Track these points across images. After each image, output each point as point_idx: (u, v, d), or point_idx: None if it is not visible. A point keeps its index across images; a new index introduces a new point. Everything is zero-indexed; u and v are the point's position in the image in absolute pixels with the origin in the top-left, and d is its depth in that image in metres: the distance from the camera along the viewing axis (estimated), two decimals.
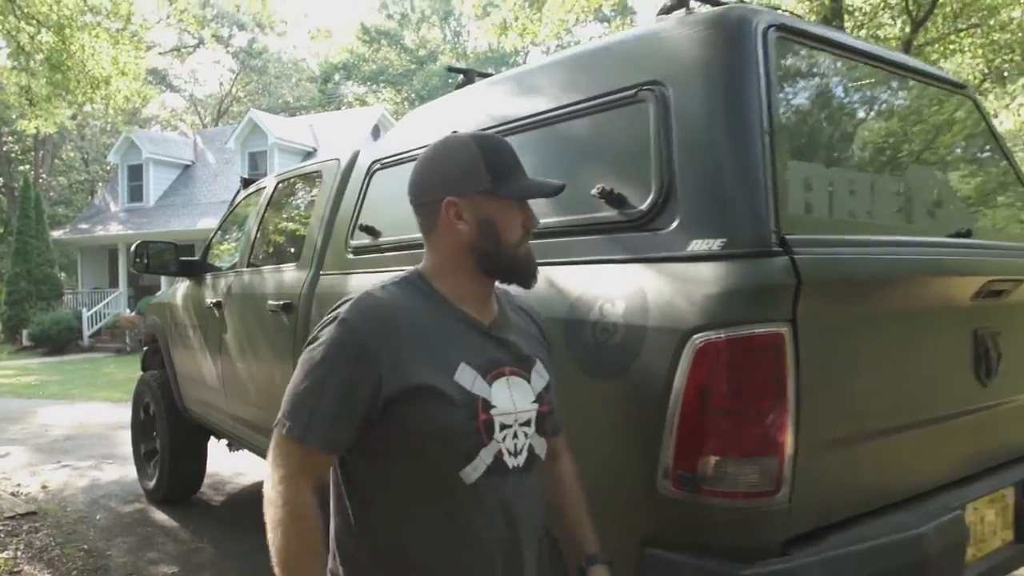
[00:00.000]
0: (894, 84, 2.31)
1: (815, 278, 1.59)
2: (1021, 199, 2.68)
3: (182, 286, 5.14)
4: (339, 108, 36.57)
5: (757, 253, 1.60)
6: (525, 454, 1.41)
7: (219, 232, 5.11)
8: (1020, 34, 9.76)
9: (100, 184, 32.50)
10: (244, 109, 33.32)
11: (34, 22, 9.10)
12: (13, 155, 31.90)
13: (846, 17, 9.23)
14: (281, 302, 3.45)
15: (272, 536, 1.29)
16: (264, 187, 4.47)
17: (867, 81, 2.22)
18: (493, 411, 1.36)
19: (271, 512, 1.30)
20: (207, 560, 4.29)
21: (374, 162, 3.19)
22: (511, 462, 1.38)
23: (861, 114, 2.21)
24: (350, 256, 3.11)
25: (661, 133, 1.87)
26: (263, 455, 3.90)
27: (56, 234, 24.84)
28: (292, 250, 3.76)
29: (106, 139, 33.31)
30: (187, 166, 26.29)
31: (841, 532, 1.72)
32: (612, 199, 1.92)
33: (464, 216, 1.41)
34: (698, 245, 1.69)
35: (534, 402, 1.44)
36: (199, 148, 27.18)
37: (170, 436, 5.14)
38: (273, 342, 3.56)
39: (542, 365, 1.51)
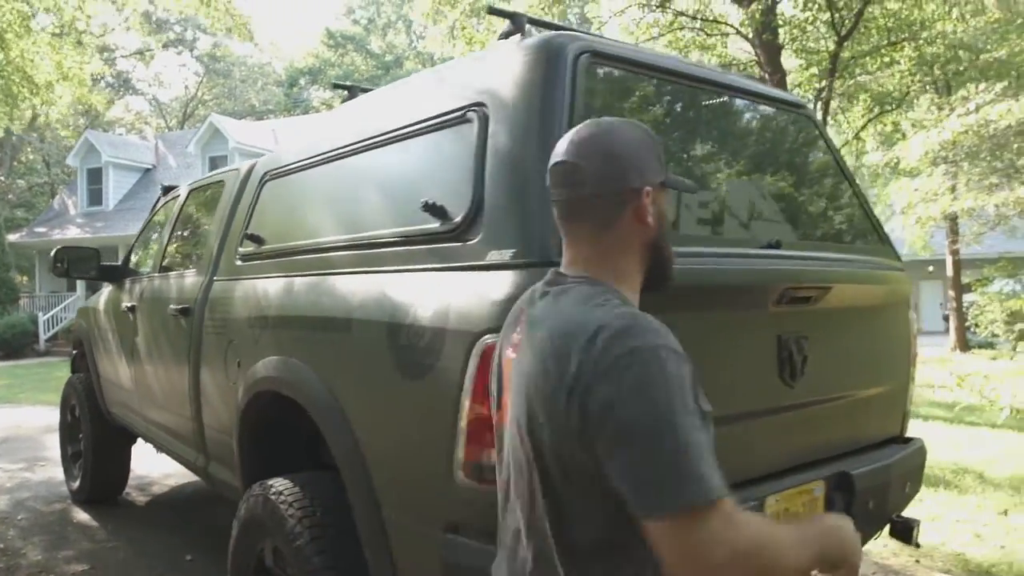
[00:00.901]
0: (718, 102, 2.49)
1: None
2: (857, 212, 2.87)
3: (106, 291, 5.23)
4: (305, 112, 36.55)
5: (541, 263, 1.76)
6: None
7: (141, 237, 5.21)
8: (951, 48, 10.11)
9: (61, 187, 32.16)
10: (209, 113, 33.16)
11: None
12: None
13: (781, 31, 9.52)
14: (180, 306, 3.57)
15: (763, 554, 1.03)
16: (179, 195, 4.59)
17: (686, 100, 2.40)
18: None
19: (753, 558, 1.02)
20: (119, 559, 4.37)
21: (265, 173, 3.33)
22: None
23: (674, 131, 2.38)
24: (238, 263, 3.24)
25: (479, 151, 2.04)
26: (173, 456, 4.04)
27: (13, 237, 24.56)
28: (194, 256, 3.88)
29: (67, 142, 32.97)
30: (148, 169, 26.12)
31: None
32: (435, 211, 2.07)
33: (650, 209, 1.25)
34: (494, 256, 1.86)
35: None
36: (160, 152, 27.04)
37: (93, 438, 5.22)
38: (174, 345, 3.67)
39: None
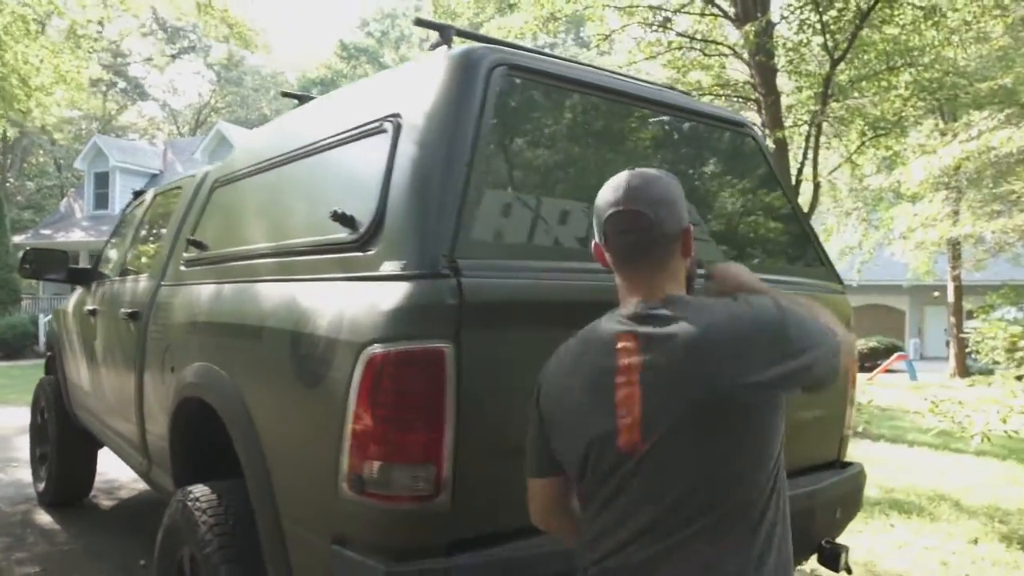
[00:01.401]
0: (647, 119, 2.47)
1: (479, 300, 1.74)
2: (798, 234, 2.84)
3: (76, 294, 5.24)
4: None
5: (427, 275, 1.75)
6: None
7: (110, 241, 5.22)
8: (946, 74, 10.07)
9: (70, 190, 32.42)
10: (219, 120, 33.41)
11: None
12: None
13: (778, 53, 9.50)
14: (130, 311, 3.57)
15: None
16: (146, 199, 4.60)
17: (612, 115, 2.37)
18: None
19: None
20: (74, 562, 4.35)
21: (216, 180, 3.33)
22: None
23: (594, 146, 2.35)
24: (182, 268, 3.24)
25: (389, 162, 2.02)
26: (123, 459, 4.02)
27: (19, 238, 24.75)
28: (149, 261, 3.89)
29: (79, 145, 33.27)
30: (155, 175, 26.31)
31: (525, 539, 1.85)
32: (344, 221, 2.06)
33: (691, 243, 1.55)
34: (387, 266, 1.84)
35: None
36: (168, 158, 27.25)
37: (59, 440, 5.21)
38: (124, 350, 3.67)
39: None
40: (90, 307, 4.45)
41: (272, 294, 2.29)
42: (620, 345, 1.44)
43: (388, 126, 2.11)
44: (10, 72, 9.19)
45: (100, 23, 12.80)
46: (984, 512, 5.74)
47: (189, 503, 2.41)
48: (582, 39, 16.55)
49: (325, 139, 2.45)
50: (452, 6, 11.17)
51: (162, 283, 3.41)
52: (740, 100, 10.29)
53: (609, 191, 1.53)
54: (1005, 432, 5.22)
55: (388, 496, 1.71)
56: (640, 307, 1.47)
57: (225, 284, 2.67)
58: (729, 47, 10.18)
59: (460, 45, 2.19)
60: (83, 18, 10.65)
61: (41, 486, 5.51)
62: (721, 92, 10.25)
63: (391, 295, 1.77)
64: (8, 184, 30.48)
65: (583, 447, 1.45)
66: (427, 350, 1.70)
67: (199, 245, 3.12)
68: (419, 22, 2.30)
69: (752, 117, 10.20)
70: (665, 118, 2.47)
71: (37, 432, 5.71)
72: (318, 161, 2.46)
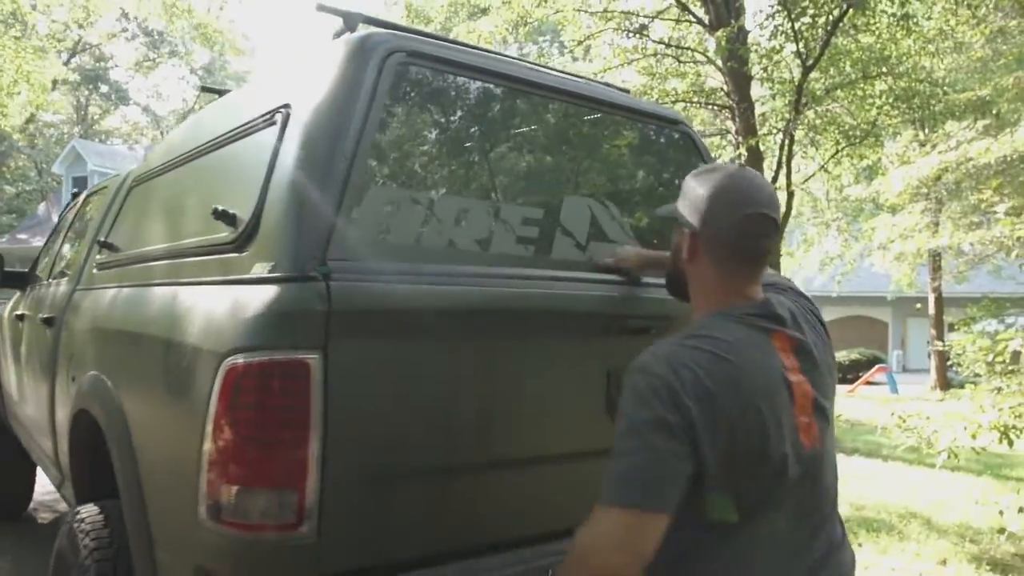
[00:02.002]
0: (566, 112, 2.29)
1: (351, 307, 1.57)
2: None
3: (14, 298, 5.03)
4: None
5: (295, 278, 1.57)
6: None
7: (46, 243, 5.02)
8: (921, 83, 9.99)
9: (50, 194, 32.03)
10: None
11: None
12: None
13: (751, 60, 9.39)
14: (46, 316, 3.38)
15: None
16: (78, 200, 4.42)
17: (526, 108, 2.20)
18: None
19: None
20: None
21: (134, 179, 3.15)
22: None
23: (501, 140, 2.18)
24: (94, 271, 3.05)
25: (273, 156, 1.85)
26: (45, 472, 3.81)
27: None
28: (69, 264, 3.70)
29: (59, 149, 32.90)
30: None
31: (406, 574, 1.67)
32: (227, 219, 1.88)
33: None
34: (258, 268, 1.67)
35: None
36: None
37: None
38: (40, 358, 3.48)
39: None
40: (18, 312, 4.25)
41: (156, 299, 2.12)
42: (777, 344, 1.44)
43: (278, 118, 1.94)
44: None
45: (80, 25, 12.62)
46: (955, 531, 5.61)
47: (75, 524, 2.23)
48: (564, 46, 16.39)
49: (225, 133, 2.28)
50: (425, 11, 11.02)
51: (76, 287, 3.22)
52: (715, 108, 10.17)
53: (751, 189, 1.48)
54: (972, 448, 5.07)
55: (246, 525, 1.53)
56: (765, 307, 1.47)
57: (123, 288, 2.49)
58: (702, 53, 10.06)
59: (362, 31, 2.02)
60: (47, 18, 10.47)
61: None
62: (695, 100, 10.11)
63: (255, 300, 1.59)
64: None
65: (777, 455, 1.37)
66: (290, 361, 1.52)
67: (110, 247, 2.94)
68: (321, 7, 2.13)
69: (728, 125, 10.10)
70: (586, 111, 2.29)
71: None
72: (217, 157, 2.29)
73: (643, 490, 1.29)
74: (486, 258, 1.85)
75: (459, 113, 2.07)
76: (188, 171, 2.48)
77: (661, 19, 10.45)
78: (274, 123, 1.95)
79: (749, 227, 1.46)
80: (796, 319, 1.51)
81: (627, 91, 2.78)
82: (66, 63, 30.17)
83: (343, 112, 1.77)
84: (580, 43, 10.75)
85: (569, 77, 2.44)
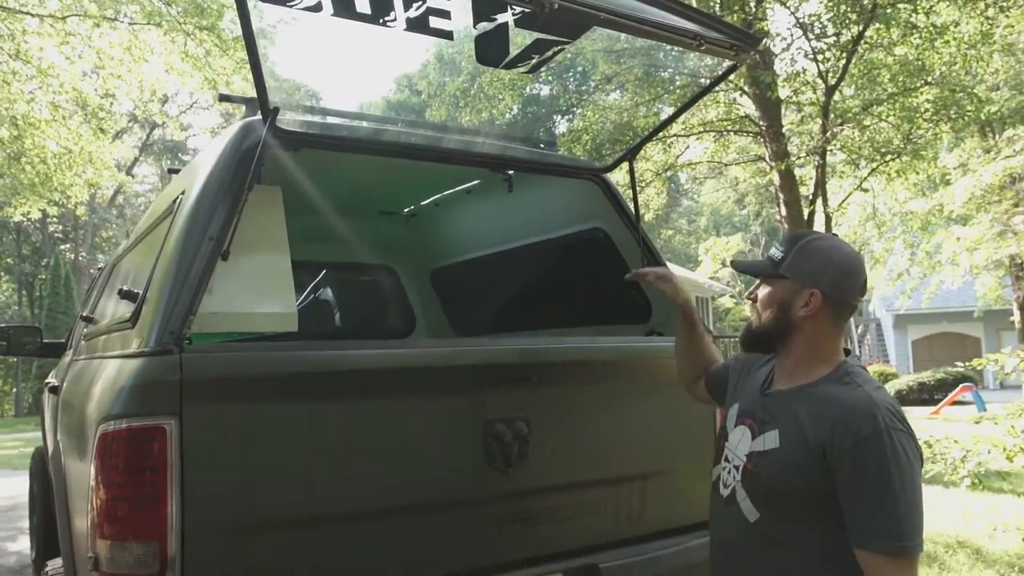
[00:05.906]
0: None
1: (202, 375, 1.74)
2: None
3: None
4: None
5: (154, 352, 1.75)
6: (730, 491, 1.75)
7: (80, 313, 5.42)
8: (962, 91, 9.64)
9: None
10: None
11: None
12: (58, 236, 33.57)
13: (780, 84, 9.31)
14: (53, 383, 3.68)
15: None
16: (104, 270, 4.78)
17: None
18: (726, 442, 1.81)
19: None
20: None
21: (114, 258, 3.44)
22: (722, 490, 1.78)
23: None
24: (83, 343, 3.33)
25: (165, 238, 2.06)
26: None
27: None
28: (72, 335, 4.02)
29: None
30: None
31: None
32: (130, 298, 2.09)
33: None
34: (135, 343, 1.86)
35: (746, 454, 1.72)
36: None
37: (43, 508, 5.34)
38: (49, 423, 3.77)
39: (777, 436, 1.68)
40: (48, 381, 4.60)
41: (86, 370, 2.35)
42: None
43: (178, 202, 2.15)
44: (35, 157, 9.76)
45: (147, 102, 13.55)
46: (1003, 560, 5.34)
47: None
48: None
49: (158, 215, 2.51)
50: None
51: (73, 358, 3.51)
52: (748, 134, 10.10)
53: (860, 260, 1.75)
54: (997, 472, 4.85)
55: (115, 575, 1.70)
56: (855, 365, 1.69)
57: (79, 360, 2.74)
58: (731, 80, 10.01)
59: (247, 119, 2.21)
60: (99, 99, 11.23)
61: (33, 554, 5.66)
62: (728, 128, 10.08)
63: (124, 372, 1.78)
64: (80, 259, 32.06)
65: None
66: (147, 427, 1.70)
67: (89, 320, 3.21)
68: (223, 98, 2.34)
69: (760, 151, 10.00)
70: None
71: (32, 501, 5.88)
72: (149, 238, 2.52)
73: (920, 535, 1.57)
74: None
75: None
76: (134, 252, 2.73)
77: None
78: (175, 207, 2.17)
79: (861, 294, 1.70)
80: None
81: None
82: (147, 136, 32.13)
83: (215, 193, 1.96)
84: (609, 80, 10.89)
85: (464, 137, 2.57)
